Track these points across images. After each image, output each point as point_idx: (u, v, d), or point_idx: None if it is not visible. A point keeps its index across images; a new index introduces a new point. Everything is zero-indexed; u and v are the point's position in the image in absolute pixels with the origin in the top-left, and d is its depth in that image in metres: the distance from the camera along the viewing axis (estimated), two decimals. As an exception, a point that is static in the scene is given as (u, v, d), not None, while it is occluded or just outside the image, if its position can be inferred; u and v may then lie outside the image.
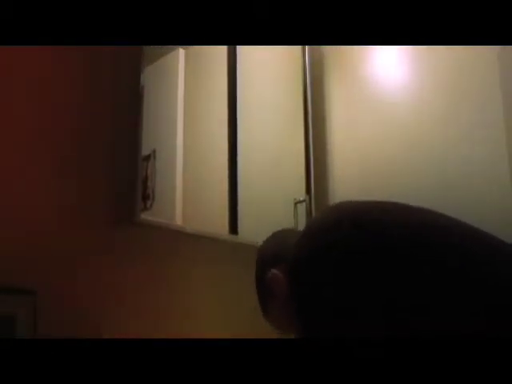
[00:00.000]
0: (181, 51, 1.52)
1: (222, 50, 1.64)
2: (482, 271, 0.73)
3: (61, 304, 1.16)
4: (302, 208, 1.73)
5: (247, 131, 1.64)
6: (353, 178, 1.77)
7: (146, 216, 1.32)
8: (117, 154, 1.32)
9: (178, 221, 1.43)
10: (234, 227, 1.55)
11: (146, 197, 1.33)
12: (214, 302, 1.47)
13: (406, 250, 0.74)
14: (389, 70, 1.76)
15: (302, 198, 1.74)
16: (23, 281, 1.10)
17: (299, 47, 1.85)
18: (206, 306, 1.45)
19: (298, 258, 0.82)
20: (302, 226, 1.69)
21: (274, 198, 1.69)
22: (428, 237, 0.76)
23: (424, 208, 0.85)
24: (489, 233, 0.82)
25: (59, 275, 1.17)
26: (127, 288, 1.28)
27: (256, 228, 1.59)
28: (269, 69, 1.80)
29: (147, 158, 1.35)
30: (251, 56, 1.70)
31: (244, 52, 1.67)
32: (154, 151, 1.37)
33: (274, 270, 0.95)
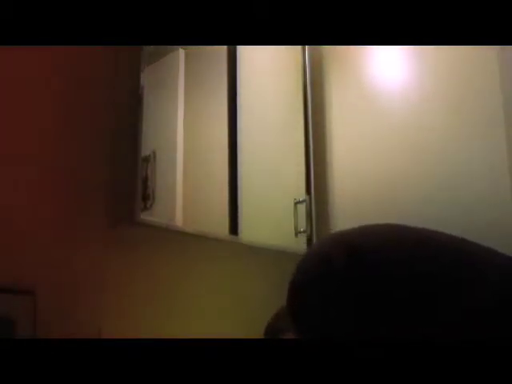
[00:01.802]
0: (181, 51, 1.52)
1: (222, 51, 1.64)
2: (475, 291, 0.72)
3: (60, 304, 1.16)
4: (302, 208, 1.73)
5: (247, 131, 1.64)
6: (353, 177, 1.77)
7: (146, 216, 1.32)
8: (117, 154, 1.32)
9: (178, 221, 1.43)
10: (234, 228, 1.55)
11: (146, 197, 1.32)
12: (214, 302, 1.47)
13: (400, 277, 0.74)
14: (388, 70, 1.75)
15: (302, 199, 1.74)
16: (23, 281, 1.10)
17: (299, 47, 1.84)
18: (206, 306, 1.44)
19: (293, 291, 0.81)
20: (302, 227, 1.71)
21: (274, 198, 1.69)
22: (420, 263, 0.75)
23: (416, 228, 0.83)
24: (485, 246, 0.81)
25: (59, 275, 1.17)
26: (127, 288, 1.28)
27: (256, 228, 1.59)
28: (269, 69, 1.80)
29: (147, 158, 1.35)
30: (251, 56, 1.70)
31: (244, 52, 1.67)
32: (154, 152, 1.37)
33: (288, 334, 0.94)
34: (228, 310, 1.49)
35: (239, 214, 1.56)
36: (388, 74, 1.75)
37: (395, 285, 0.73)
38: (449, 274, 0.73)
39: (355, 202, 1.75)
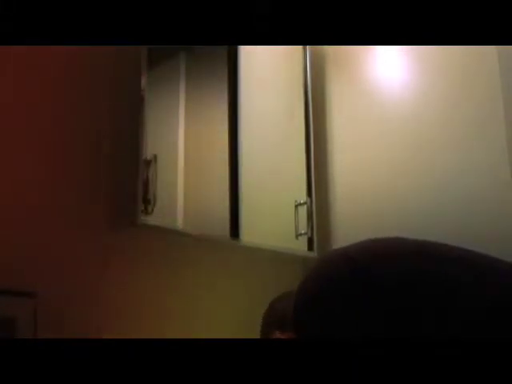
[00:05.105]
0: (182, 53, 1.53)
1: (222, 52, 1.64)
2: (476, 298, 0.73)
3: (61, 306, 1.16)
4: (302, 210, 1.73)
5: (248, 133, 1.64)
6: (354, 179, 1.77)
7: (147, 219, 1.32)
8: (118, 157, 1.32)
9: (180, 224, 1.43)
10: (235, 230, 1.55)
11: (147, 200, 1.32)
12: (214, 303, 1.47)
13: (403, 290, 0.74)
14: (389, 69, 1.76)
15: (302, 201, 1.73)
16: (24, 283, 1.10)
17: (299, 47, 1.84)
18: (206, 307, 1.44)
19: (297, 308, 0.81)
20: (302, 229, 1.71)
21: (274, 200, 1.68)
22: (423, 276, 0.76)
23: (416, 240, 0.84)
24: (485, 254, 0.82)
25: (60, 277, 1.17)
26: (127, 289, 1.28)
27: (257, 231, 1.59)
28: (269, 70, 1.80)
29: (148, 161, 1.34)
30: (252, 57, 1.70)
31: (245, 53, 1.67)
32: (155, 155, 1.36)
33: (278, 333, 0.95)
34: (228, 312, 1.48)
35: (240, 217, 1.56)
36: (388, 74, 1.75)
37: (399, 298, 0.73)
38: (450, 285, 0.74)
39: (356, 204, 1.74)
